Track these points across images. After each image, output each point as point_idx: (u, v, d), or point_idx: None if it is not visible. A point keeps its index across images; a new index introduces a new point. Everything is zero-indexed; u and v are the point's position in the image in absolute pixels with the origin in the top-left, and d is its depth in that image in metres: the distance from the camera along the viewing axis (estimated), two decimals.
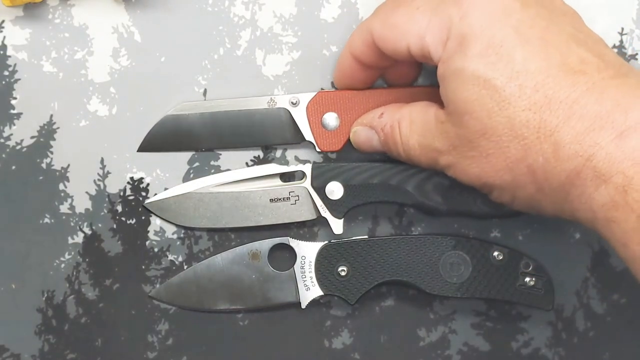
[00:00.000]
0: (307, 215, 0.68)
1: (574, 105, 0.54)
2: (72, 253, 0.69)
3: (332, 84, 0.69)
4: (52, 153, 0.69)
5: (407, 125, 0.62)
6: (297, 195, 0.68)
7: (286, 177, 0.69)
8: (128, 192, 0.70)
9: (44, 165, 0.69)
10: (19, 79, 0.69)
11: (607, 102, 0.53)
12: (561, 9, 0.59)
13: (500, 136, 0.56)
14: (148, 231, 0.69)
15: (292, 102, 0.68)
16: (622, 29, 0.70)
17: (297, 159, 0.70)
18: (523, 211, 0.61)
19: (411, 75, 0.68)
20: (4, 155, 0.69)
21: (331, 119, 0.67)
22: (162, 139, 0.69)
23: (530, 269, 0.66)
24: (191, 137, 0.69)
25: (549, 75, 0.55)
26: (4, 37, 0.69)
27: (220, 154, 0.70)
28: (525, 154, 0.55)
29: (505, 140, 0.56)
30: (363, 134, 0.66)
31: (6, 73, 0.69)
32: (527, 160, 0.56)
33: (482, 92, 0.56)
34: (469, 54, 0.56)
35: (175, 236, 0.70)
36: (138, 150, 0.69)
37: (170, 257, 0.69)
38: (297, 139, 0.68)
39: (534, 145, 0.55)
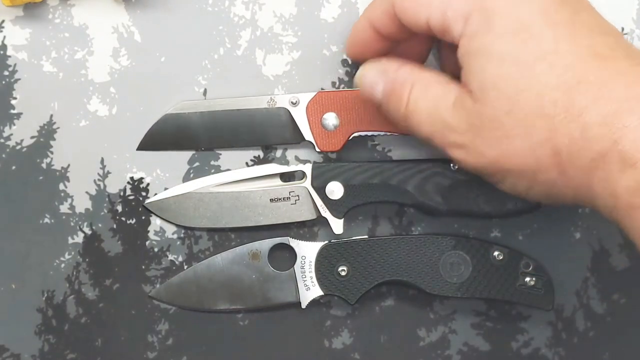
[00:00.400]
0: (307, 215, 0.68)
1: (603, 88, 0.53)
2: (72, 253, 0.69)
3: (332, 84, 0.69)
4: (52, 153, 0.69)
5: (422, 88, 0.60)
6: (297, 195, 0.68)
7: (286, 177, 0.69)
8: (128, 192, 0.70)
9: (44, 165, 0.69)
10: (19, 79, 0.69)
11: (636, 87, 0.53)
12: (582, 2, 0.59)
13: (527, 114, 0.55)
14: (148, 231, 0.69)
15: (292, 102, 0.68)
16: (622, 29, 0.70)
17: (297, 159, 0.70)
18: (537, 199, 0.60)
19: (422, 55, 0.68)
20: (4, 155, 0.69)
21: (331, 118, 0.67)
22: (162, 137, 0.69)
23: (530, 269, 0.66)
24: (191, 136, 0.69)
25: (579, 57, 0.54)
26: (4, 37, 0.69)
27: (220, 154, 0.70)
28: (550, 135, 0.54)
29: (531, 119, 0.55)
30: (370, 76, 0.63)
31: (6, 73, 0.69)
32: (553, 141, 0.54)
33: (512, 68, 0.55)
34: (497, 30, 0.56)
35: (175, 236, 0.70)
36: (138, 149, 0.69)
37: (170, 257, 0.69)
38: (297, 138, 0.68)
39: (561, 125, 0.54)
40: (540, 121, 0.55)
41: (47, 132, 0.69)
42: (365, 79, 0.64)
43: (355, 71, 0.69)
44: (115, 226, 0.69)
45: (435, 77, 0.61)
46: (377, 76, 0.63)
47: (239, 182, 0.68)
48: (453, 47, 0.60)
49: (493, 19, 0.56)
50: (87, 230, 0.69)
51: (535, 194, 0.58)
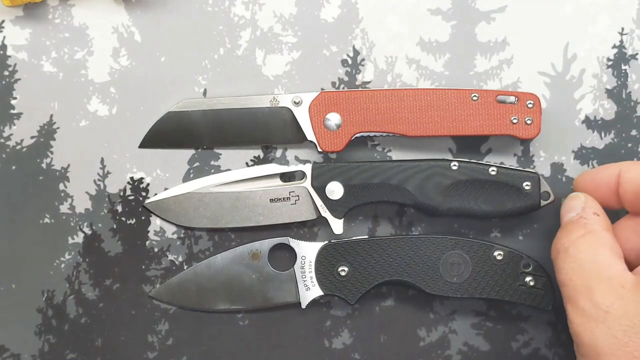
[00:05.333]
0: (307, 215, 0.68)
1: None
2: (72, 253, 0.69)
3: (332, 84, 0.70)
4: (52, 153, 0.69)
5: (591, 244, 0.60)
6: (297, 195, 0.68)
7: (286, 177, 0.69)
8: (128, 192, 0.70)
9: (44, 165, 0.69)
10: (19, 79, 0.69)
11: None
12: None
13: None
14: (148, 231, 0.69)
15: (294, 102, 0.68)
16: (622, 29, 0.70)
17: (297, 159, 0.70)
18: None
19: None
20: (4, 155, 0.69)
21: (334, 119, 0.67)
22: (164, 135, 0.69)
23: (530, 269, 0.67)
24: (193, 134, 0.69)
25: None
26: (4, 37, 0.69)
27: (221, 154, 0.70)
28: None
29: None
30: (573, 204, 0.63)
31: (6, 73, 0.69)
32: None
33: None
34: None
35: (175, 236, 0.70)
36: (140, 147, 0.69)
37: (170, 257, 0.69)
38: (299, 138, 0.68)
39: None
40: None
41: (47, 132, 0.69)
42: (567, 204, 0.63)
43: (356, 72, 0.70)
44: (115, 226, 0.69)
45: (611, 244, 0.60)
46: (577, 208, 0.63)
47: (239, 182, 0.68)
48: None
49: None
50: (87, 230, 0.69)
51: None
